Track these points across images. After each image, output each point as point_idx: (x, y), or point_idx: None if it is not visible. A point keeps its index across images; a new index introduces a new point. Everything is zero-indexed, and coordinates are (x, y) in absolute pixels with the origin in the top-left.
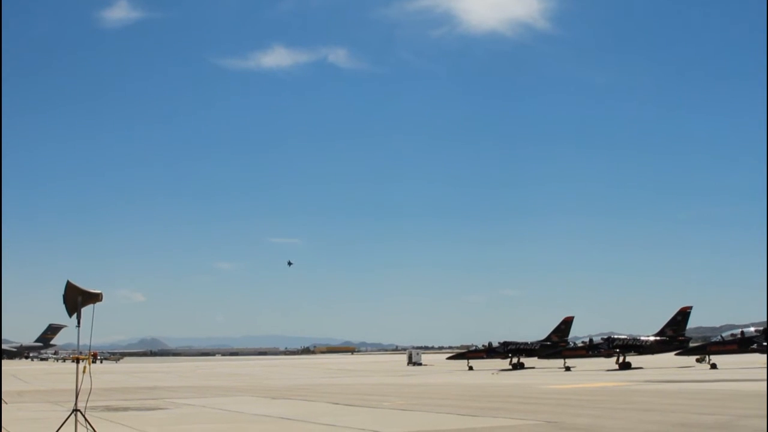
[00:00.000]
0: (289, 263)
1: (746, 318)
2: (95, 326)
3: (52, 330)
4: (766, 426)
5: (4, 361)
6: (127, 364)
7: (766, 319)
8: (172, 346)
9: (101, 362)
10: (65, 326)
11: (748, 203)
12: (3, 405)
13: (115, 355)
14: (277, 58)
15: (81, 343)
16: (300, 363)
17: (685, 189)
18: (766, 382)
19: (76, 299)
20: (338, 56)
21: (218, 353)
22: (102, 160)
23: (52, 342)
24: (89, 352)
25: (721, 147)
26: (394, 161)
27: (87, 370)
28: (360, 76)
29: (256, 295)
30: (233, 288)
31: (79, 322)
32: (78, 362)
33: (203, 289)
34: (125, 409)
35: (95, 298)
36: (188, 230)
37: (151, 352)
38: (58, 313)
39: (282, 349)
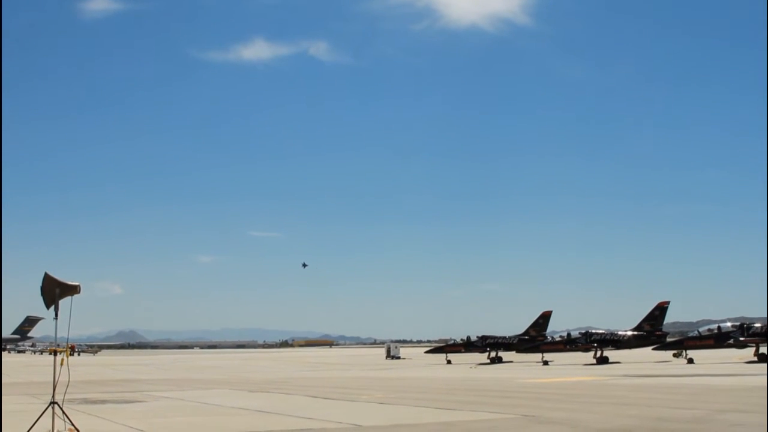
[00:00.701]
0: (304, 265)
1: (723, 313)
2: (73, 318)
3: (30, 322)
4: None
5: None
6: (105, 357)
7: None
8: (150, 338)
9: (79, 355)
10: (43, 318)
11: (727, 200)
12: None
13: (93, 348)
14: (257, 51)
15: (59, 336)
16: (278, 356)
17: (664, 185)
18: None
19: (53, 291)
20: (319, 49)
21: (197, 346)
22: (81, 152)
23: (29, 334)
24: (67, 345)
25: (702, 144)
26: (375, 156)
27: (65, 362)
28: (341, 70)
29: (235, 289)
30: (212, 281)
31: (56, 315)
32: (56, 355)
33: (182, 281)
34: (103, 401)
35: (73, 290)
36: (168, 223)
37: (129, 344)
38: (35, 305)
39: (260, 342)
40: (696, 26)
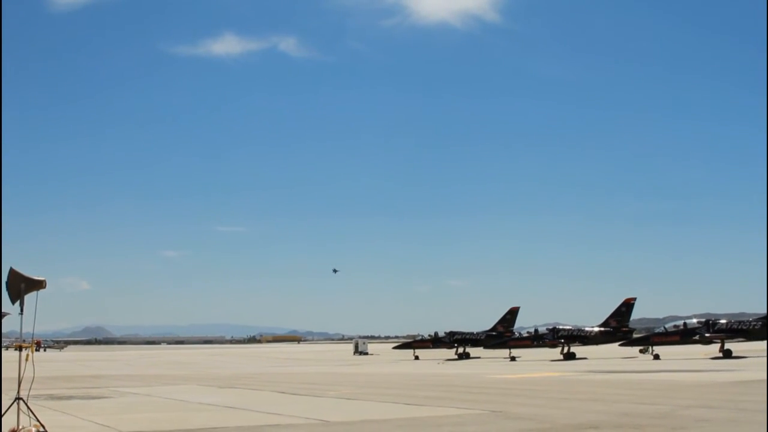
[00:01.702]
0: (335, 270)
1: (689, 309)
2: (39, 314)
3: None
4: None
5: None
6: (71, 353)
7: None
8: (117, 334)
9: (45, 350)
10: (8, 314)
11: (693, 198)
12: None
13: (59, 344)
14: (227, 45)
15: (24, 331)
16: (246, 352)
17: (632, 182)
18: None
19: (19, 286)
20: (288, 45)
21: (164, 342)
22: (48, 146)
23: None
24: (32, 340)
25: (673, 140)
26: (342, 151)
27: (30, 358)
28: (310, 65)
29: (201, 284)
30: (179, 276)
31: (21, 310)
32: (21, 350)
33: (149, 277)
34: (69, 397)
35: (38, 285)
36: (134, 218)
37: (95, 340)
38: None
39: (228, 338)
40: (668, 18)
